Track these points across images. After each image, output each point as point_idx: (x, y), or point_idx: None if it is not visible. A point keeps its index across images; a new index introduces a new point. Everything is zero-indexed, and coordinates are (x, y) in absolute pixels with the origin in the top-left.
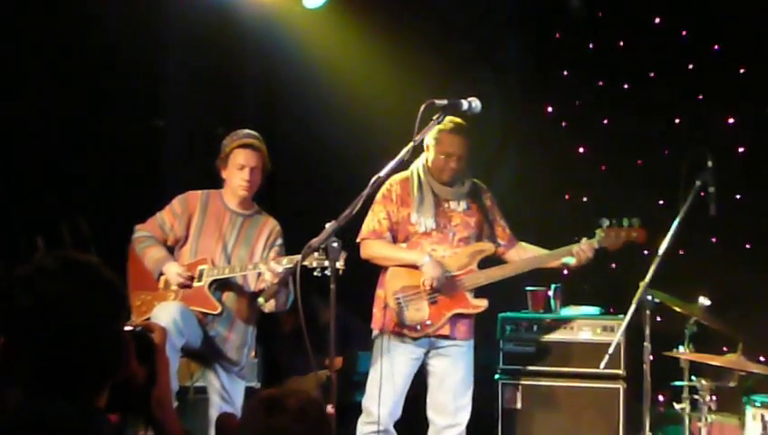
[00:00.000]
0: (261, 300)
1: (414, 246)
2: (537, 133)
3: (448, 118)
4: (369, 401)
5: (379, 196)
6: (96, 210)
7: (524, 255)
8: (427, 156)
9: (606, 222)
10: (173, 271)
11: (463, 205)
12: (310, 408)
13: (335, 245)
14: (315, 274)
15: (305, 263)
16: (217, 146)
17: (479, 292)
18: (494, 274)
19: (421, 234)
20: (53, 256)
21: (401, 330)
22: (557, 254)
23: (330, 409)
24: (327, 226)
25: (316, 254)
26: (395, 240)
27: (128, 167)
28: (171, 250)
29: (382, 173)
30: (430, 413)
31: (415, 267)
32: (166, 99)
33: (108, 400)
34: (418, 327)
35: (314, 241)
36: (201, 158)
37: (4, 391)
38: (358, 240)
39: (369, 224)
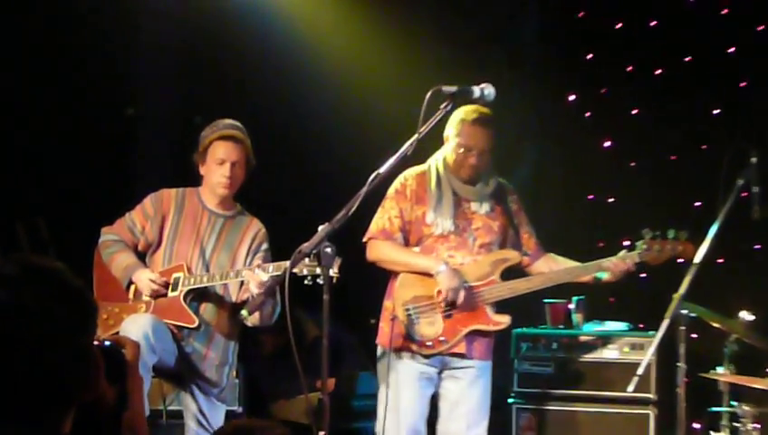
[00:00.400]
0: (244, 313)
1: (428, 251)
2: (557, 125)
3: (472, 107)
4: (380, 425)
5: (391, 190)
6: (57, 209)
7: (554, 267)
8: (446, 149)
9: (649, 233)
10: (145, 278)
11: (486, 207)
12: None
13: (328, 250)
14: (306, 282)
15: (295, 270)
16: (195, 138)
17: (500, 306)
18: (520, 286)
19: (437, 236)
20: (12, 260)
21: (411, 346)
22: (590, 267)
23: None
24: (320, 229)
25: (307, 260)
26: (406, 242)
27: (94, 161)
28: (142, 257)
29: (382, 169)
30: None
31: (428, 275)
32: (137, 84)
33: (73, 424)
34: (430, 343)
35: (305, 246)
36: (177, 151)
37: None
38: (364, 239)
39: (379, 222)
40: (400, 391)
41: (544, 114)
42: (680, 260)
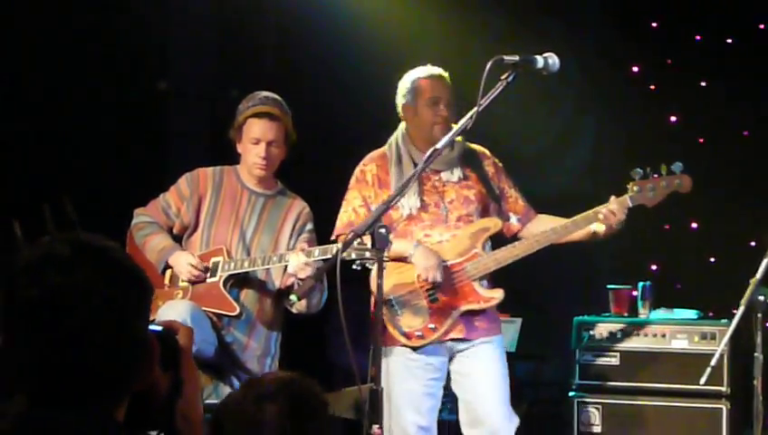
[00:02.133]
0: (293, 297)
1: (402, 236)
2: (620, 98)
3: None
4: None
5: (352, 181)
6: (85, 190)
7: (544, 228)
8: (407, 120)
9: (638, 173)
10: (183, 261)
11: (457, 173)
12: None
13: (383, 231)
14: (354, 267)
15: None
16: (232, 112)
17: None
18: (505, 255)
19: (408, 218)
20: (63, 239)
21: (400, 340)
22: (579, 221)
23: (376, 430)
24: (373, 208)
25: (356, 243)
26: None
27: (124, 138)
28: (178, 240)
29: (439, 145)
30: (467, 431)
31: (404, 260)
32: (169, 55)
33: (126, 413)
34: (419, 333)
35: (358, 227)
36: (212, 127)
37: (3, 398)
38: (332, 238)
39: (344, 216)
40: (397, 387)
41: (605, 87)
42: (753, 244)
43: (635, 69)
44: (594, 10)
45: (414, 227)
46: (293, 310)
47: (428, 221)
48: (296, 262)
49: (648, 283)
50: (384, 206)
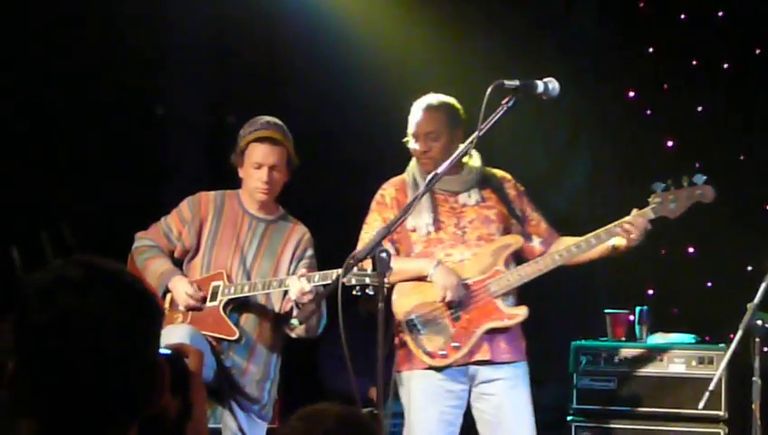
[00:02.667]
0: (294, 322)
1: (423, 257)
2: (616, 123)
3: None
4: None
5: (372, 204)
6: (83, 215)
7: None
8: None
9: (660, 186)
10: (180, 289)
11: (475, 196)
12: (351, 415)
13: (384, 255)
14: (354, 293)
15: (342, 280)
16: (229, 137)
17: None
18: (528, 271)
19: (426, 240)
20: (75, 262)
21: (423, 360)
22: (602, 235)
23: None
24: (362, 237)
25: (356, 269)
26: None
27: (122, 162)
28: (179, 264)
29: (440, 170)
30: None
31: (425, 280)
32: (166, 81)
33: None
34: (443, 352)
35: (359, 251)
36: (209, 152)
37: (13, 423)
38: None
39: (365, 237)
40: (415, 415)
41: (602, 111)
42: (749, 268)
43: (631, 94)
44: (591, 35)
45: (434, 249)
46: (293, 334)
47: (448, 241)
48: (296, 287)
49: (645, 307)
50: (385, 230)
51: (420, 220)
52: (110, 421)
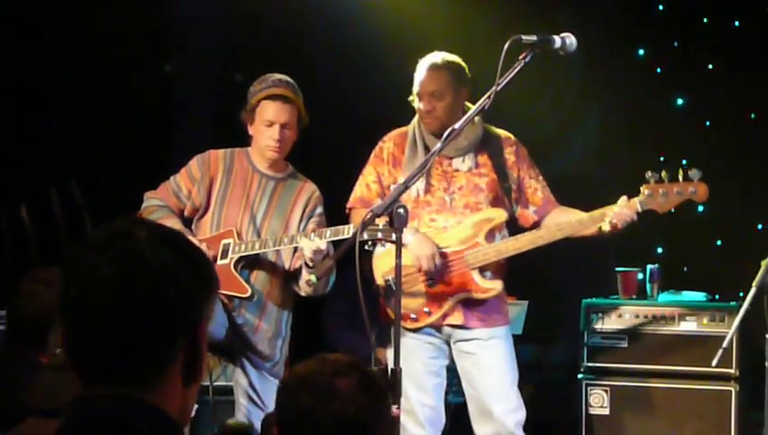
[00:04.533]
0: (312, 278)
1: (410, 218)
2: (625, 81)
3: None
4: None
5: (371, 156)
6: (92, 174)
7: (559, 221)
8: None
9: (653, 177)
10: None
11: (468, 162)
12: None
13: (401, 211)
14: (367, 247)
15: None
16: (238, 95)
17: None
18: (507, 247)
19: (416, 201)
20: (136, 221)
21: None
22: (586, 221)
23: (395, 410)
24: (392, 188)
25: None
26: None
27: (130, 121)
28: (188, 223)
29: (457, 125)
30: (474, 426)
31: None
32: (174, 38)
33: None
34: (414, 316)
35: (377, 207)
36: (218, 110)
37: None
38: (346, 210)
39: (357, 190)
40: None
41: (611, 70)
42: (760, 226)
43: (641, 52)
44: None
45: (421, 211)
46: (302, 293)
47: (435, 206)
48: (310, 245)
49: (655, 266)
50: (402, 186)
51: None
52: (132, 360)
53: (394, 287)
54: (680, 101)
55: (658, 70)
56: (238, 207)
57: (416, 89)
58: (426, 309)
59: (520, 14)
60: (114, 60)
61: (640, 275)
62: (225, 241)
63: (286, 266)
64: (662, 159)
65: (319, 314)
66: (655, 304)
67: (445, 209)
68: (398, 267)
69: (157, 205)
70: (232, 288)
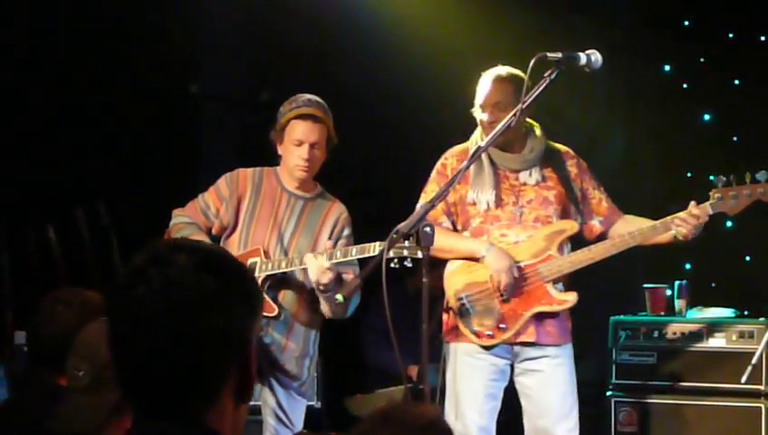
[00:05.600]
0: (339, 297)
1: (479, 234)
2: (651, 97)
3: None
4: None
5: (433, 173)
6: (118, 193)
7: (626, 231)
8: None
9: (722, 180)
10: None
11: (536, 175)
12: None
13: (428, 229)
14: (393, 265)
15: (374, 253)
16: (265, 115)
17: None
18: (581, 258)
19: (484, 216)
20: (169, 242)
21: (470, 338)
22: (659, 227)
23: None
24: (418, 206)
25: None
26: (455, 227)
27: (156, 141)
28: (216, 241)
29: (483, 143)
30: None
31: (477, 260)
32: (200, 58)
33: None
34: (489, 333)
35: (403, 225)
36: (244, 129)
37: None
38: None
39: (418, 208)
40: (462, 386)
41: (637, 85)
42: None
43: (666, 67)
44: (624, 8)
45: (490, 226)
46: (325, 314)
47: (505, 220)
48: (315, 265)
49: (684, 282)
50: (429, 205)
51: (482, 195)
52: (188, 389)
53: (467, 304)
54: (707, 117)
55: (685, 85)
56: (266, 226)
57: (479, 100)
58: (502, 325)
59: (544, 31)
60: (141, 81)
61: (669, 292)
62: (251, 260)
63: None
64: (689, 175)
65: (357, 329)
66: (683, 321)
67: (515, 223)
68: (426, 286)
69: (185, 222)
70: None
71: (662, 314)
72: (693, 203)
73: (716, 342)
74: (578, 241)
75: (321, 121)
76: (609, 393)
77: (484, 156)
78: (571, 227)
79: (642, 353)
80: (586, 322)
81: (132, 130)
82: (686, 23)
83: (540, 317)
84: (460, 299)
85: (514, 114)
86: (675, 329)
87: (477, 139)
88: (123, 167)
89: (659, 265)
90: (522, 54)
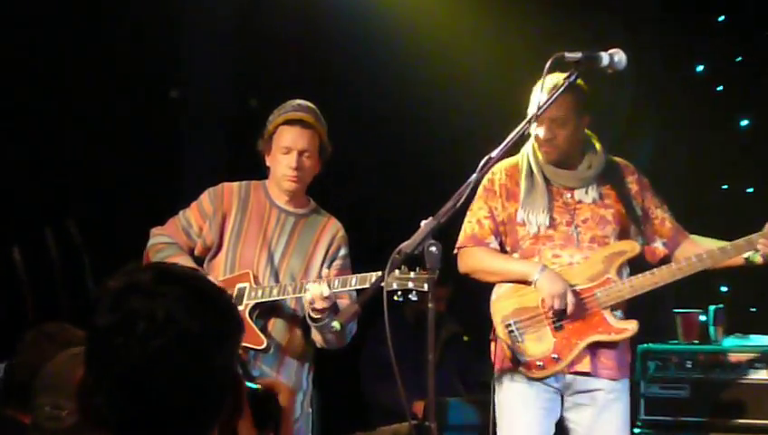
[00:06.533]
0: (336, 324)
1: (529, 255)
2: (683, 101)
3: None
4: None
5: (480, 189)
6: (91, 209)
7: (693, 253)
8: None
9: None
10: None
11: (593, 193)
12: None
13: (434, 250)
14: (396, 298)
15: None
16: (254, 123)
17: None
18: (643, 282)
19: (535, 236)
20: (147, 267)
21: (518, 368)
22: (730, 250)
23: None
24: (422, 224)
25: (397, 272)
26: (503, 248)
27: (134, 151)
28: (199, 262)
29: (494, 153)
30: None
31: (527, 283)
32: (182, 61)
33: None
34: (540, 363)
35: (406, 245)
36: (230, 139)
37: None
38: (455, 250)
39: (467, 227)
40: (512, 419)
41: (666, 88)
42: None
43: (699, 68)
44: (653, 3)
45: (542, 247)
46: (317, 344)
47: (559, 241)
48: (315, 290)
49: (719, 306)
50: (435, 221)
51: (533, 216)
52: (182, 431)
53: (516, 332)
54: (744, 123)
55: (719, 87)
56: (254, 245)
57: (530, 111)
58: (554, 355)
59: (562, 30)
60: (116, 86)
61: (703, 317)
62: (239, 285)
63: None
64: (725, 187)
65: (356, 360)
66: (719, 350)
67: (570, 244)
68: (431, 312)
69: (165, 242)
70: (247, 339)
71: (695, 341)
72: None
73: (757, 373)
74: (639, 265)
75: (312, 127)
76: (637, 431)
77: (536, 172)
78: (632, 248)
79: (673, 386)
80: None
81: (107, 140)
82: (722, 18)
83: (596, 347)
84: (508, 326)
85: (528, 122)
86: (709, 359)
87: (529, 154)
88: (96, 180)
89: (692, 287)
90: (539, 57)
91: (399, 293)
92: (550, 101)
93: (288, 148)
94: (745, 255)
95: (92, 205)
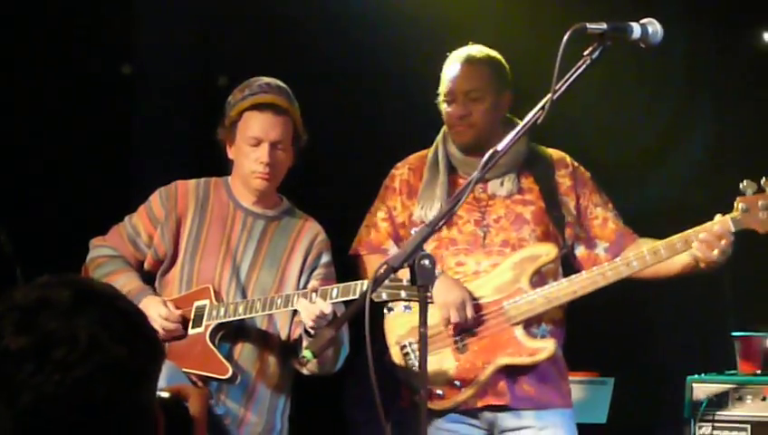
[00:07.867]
0: (307, 354)
1: None
2: (745, 77)
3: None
4: None
5: (381, 187)
6: (23, 211)
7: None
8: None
9: (752, 187)
10: (153, 312)
11: (509, 185)
12: None
13: (426, 262)
14: (386, 310)
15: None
16: (220, 105)
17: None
18: (558, 293)
19: (436, 238)
20: (62, 282)
21: (416, 398)
22: (662, 251)
23: None
24: (413, 232)
25: (387, 280)
26: None
27: (76, 139)
28: (150, 278)
29: (500, 147)
30: None
31: None
32: (136, 31)
33: None
34: (440, 392)
35: (393, 258)
36: (192, 124)
37: None
38: (349, 254)
39: (363, 231)
40: None
41: (726, 62)
42: None
43: (766, 37)
44: None
45: (444, 252)
46: (304, 370)
47: (463, 244)
48: (310, 309)
49: None
50: (428, 229)
51: (431, 212)
52: None
53: (411, 354)
54: None
55: None
56: (216, 256)
57: (444, 88)
58: (456, 382)
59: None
60: (54, 60)
61: (767, 343)
62: (198, 303)
63: (282, 336)
64: None
65: (339, 393)
66: None
67: (476, 248)
68: (424, 337)
69: (107, 255)
70: (207, 367)
71: (758, 372)
72: (718, 216)
73: None
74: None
75: (285, 113)
76: None
77: (441, 160)
78: (547, 252)
79: (731, 426)
80: (656, 383)
81: (42, 129)
82: None
83: (512, 374)
84: (403, 348)
85: (542, 108)
86: None
87: (440, 142)
88: (30, 179)
89: (753, 306)
90: (561, 25)
91: (390, 304)
92: (568, 82)
93: (257, 138)
94: (687, 258)
95: (26, 209)
